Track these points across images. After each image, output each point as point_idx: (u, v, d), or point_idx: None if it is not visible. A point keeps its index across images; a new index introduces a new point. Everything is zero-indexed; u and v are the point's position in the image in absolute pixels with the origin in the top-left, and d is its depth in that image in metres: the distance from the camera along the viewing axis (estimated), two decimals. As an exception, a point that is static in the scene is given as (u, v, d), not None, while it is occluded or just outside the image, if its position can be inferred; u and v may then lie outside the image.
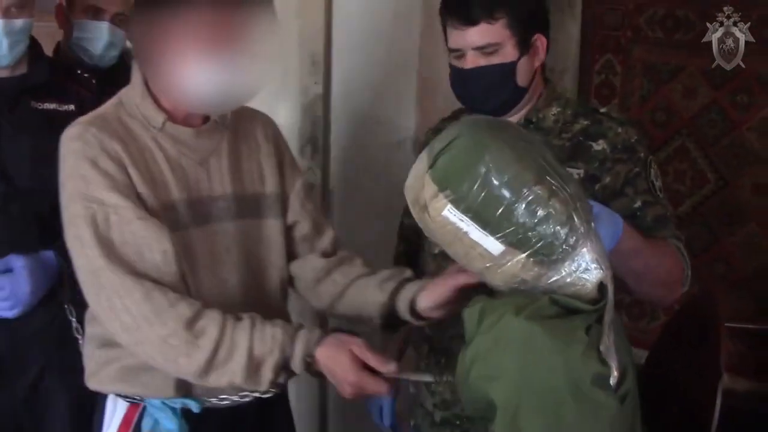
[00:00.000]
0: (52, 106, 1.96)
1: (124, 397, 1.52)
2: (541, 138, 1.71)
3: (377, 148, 2.13)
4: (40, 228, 1.84)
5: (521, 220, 1.16)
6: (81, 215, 1.38)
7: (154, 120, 1.47)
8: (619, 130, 1.74)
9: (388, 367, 1.36)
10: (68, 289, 1.75)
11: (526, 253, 1.17)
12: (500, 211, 1.16)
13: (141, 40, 1.43)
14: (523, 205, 1.16)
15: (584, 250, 1.19)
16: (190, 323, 1.35)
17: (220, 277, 1.49)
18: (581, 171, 1.71)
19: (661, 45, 2.94)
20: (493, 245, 1.18)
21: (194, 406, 1.47)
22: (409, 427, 2.01)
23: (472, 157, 1.17)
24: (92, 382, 1.54)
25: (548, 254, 1.17)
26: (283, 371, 1.39)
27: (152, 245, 1.38)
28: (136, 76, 1.49)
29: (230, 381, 1.37)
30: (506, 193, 1.16)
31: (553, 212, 1.16)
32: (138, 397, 1.49)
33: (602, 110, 1.81)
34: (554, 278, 1.19)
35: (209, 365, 1.36)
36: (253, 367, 1.36)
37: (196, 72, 1.35)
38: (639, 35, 2.97)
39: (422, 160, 1.25)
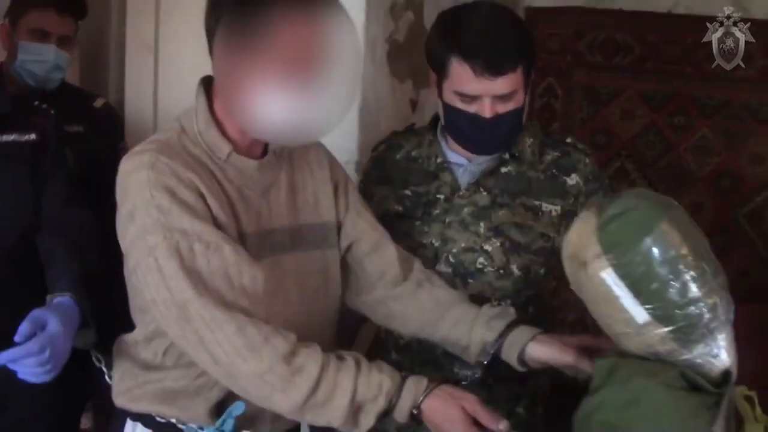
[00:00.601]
0: (12, 137, 1.86)
1: (154, 419, 1.45)
2: (521, 170, 1.75)
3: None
4: (14, 267, 1.74)
5: (673, 298, 1.23)
6: (161, 246, 1.29)
7: (219, 150, 1.38)
8: (587, 161, 1.77)
9: (501, 426, 1.33)
10: (93, 333, 1.58)
11: (668, 329, 1.26)
12: (656, 285, 1.23)
13: (224, 60, 1.30)
14: (678, 285, 1.23)
15: (720, 336, 1.28)
16: (287, 359, 1.29)
17: (275, 310, 1.40)
18: (558, 208, 1.74)
19: (601, 69, 3.03)
20: (640, 314, 1.26)
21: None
22: None
23: (643, 229, 1.24)
24: (123, 399, 1.47)
25: (688, 334, 1.25)
26: (383, 416, 1.34)
27: (242, 270, 1.31)
28: (200, 102, 1.40)
29: (328, 422, 1.32)
30: (665, 271, 1.23)
31: (703, 297, 1.24)
32: (173, 420, 1.43)
33: (568, 140, 1.83)
34: (686, 356, 1.28)
35: (306, 404, 1.30)
36: (354, 411, 1.31)
37: (280, 98, 1.24)
38: (579, 59, 3.04)
39: (588, 220, 1.31)
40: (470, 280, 1.74)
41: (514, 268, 1.74)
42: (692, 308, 1.24)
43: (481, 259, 1.74)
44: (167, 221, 1.29)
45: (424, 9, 2.42)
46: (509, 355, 1.52)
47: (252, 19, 1.24)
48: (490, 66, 1.60)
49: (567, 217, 1.73)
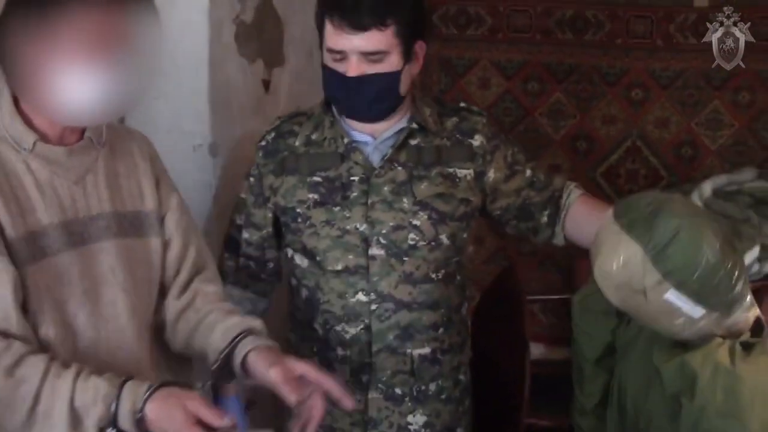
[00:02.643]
0: None
1: None
2: (429, 140, 1.76)
3: (175, 155, 2.08)
4: None
5: (722, 288, 1.41)
6: None
7: (24, 141, 1.37)
8: (484, 121, 1.82)
9: (224, 422, 1.30)
10: None
11: (719, 312, 1.42)
12: (711, 285, 1.40)
13: (13, 51, 1.30)
14: (726, 277, 1.40)
15: (749, 296, 1.48)
16: (10, 371, 1.26)
17: (107, 299, 1.41)
18: (471, 171, 1.78)
19: (455, 40, 3.06)
20: (697, 312, 1.41)
21: None
22: None
23: (696, 247, 1.38)
24: None
25: (730, 307, 1.44)
26: (112, 429, 1.29)
27: None
28: (4, 96, 1.39)
29: None
30: (718, 270, 1.39)
31: (741, 276, 1.43)
32: None
33: (462, 104, 1.86)
34: (727, 322, 1.46)
35: (30, 416, 1.26)
36: (76, 418, 1.27)
37: (82, 79, 1.28)
38: (433, 32, 3.07)
39: (630, 247, 1.40)
40: (405, 258, 1.73)
41: (444, 238, 1.75)
42: (736, 289, 1.42)
43: (412, 235, 1.73)
44: None
45: (271, -12, 2.39)
46: (236, 363, 1.45)
47: (47, 7, 1.27)
48: (350, 19, 1.61)
49: (478, 179, 1.78)
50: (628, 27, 2.97)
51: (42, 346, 1.32)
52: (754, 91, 2.94)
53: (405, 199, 1.73)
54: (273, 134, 1.86)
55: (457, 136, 1.79)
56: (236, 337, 1.47)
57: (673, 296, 1.38)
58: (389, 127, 1.77)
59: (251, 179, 1.87)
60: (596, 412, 1.71)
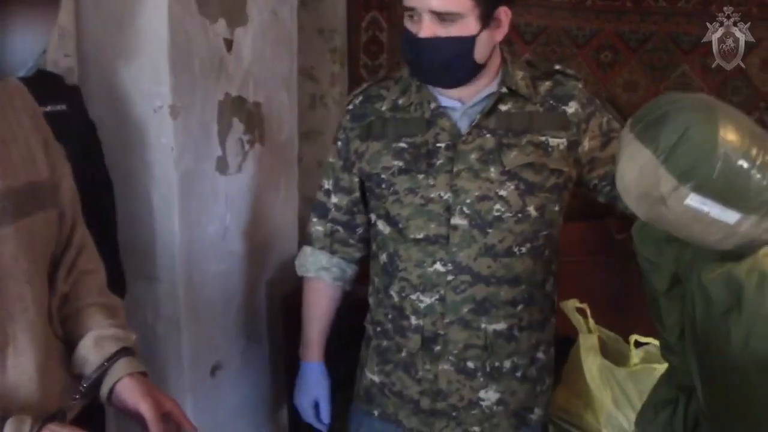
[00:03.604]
0: (47, 108, 1.74)
1: None
2: (520, 106, 1.67)
3: (135, 117, 2.03)
4: None
5: (756, 186, 1.22)
6: None
7: None
8: (580, 85, 1.73)
9: None
10: None
11: (758, 214, 1.24)
12: (739, 183, 1.22)
13: None
14: (757, 172, 1.21)
15: None
16: None
17: (14, 294, 1.23)
18: (564, 140, 1.68)
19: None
20: (731, 216, 1.24)
21: None
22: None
23: (709, 143, 1.21)
24: None
25: None
26: None
27: None
28: None
29: None
30: (743, 166, 1.21)
31: None
32: None
33: (556, 67, 1.76)
34: None
35: None
36: None
37: None
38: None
39: (639, 154, 1.25)
40: (489, 230, 1.67)
41: (532, 210, 1.68)
42: None
43: (497, 206, 1.66)
44: None
45: (233, -57, 2.31)
46: (105, 386, 1.34)
47: None
48: None
49: (572, 148, 1.68)
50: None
51: None
52: (722, 56, 2.92)
53: (492, 168, 1.66)
54: (361, 98, 1.81)
55: (551, 102, 1.70)
56: (112, 356, 1.35)
57: (694, 201, 1.24)
58: (478, 92, 1.69)
59: (339, 143, 1.83)
60: (681, 345, 1.58)
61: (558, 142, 1.68)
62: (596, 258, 2.67)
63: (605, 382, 2.21)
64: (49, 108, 1.80)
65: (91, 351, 1.35)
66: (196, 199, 2.21)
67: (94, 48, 2.08)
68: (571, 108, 1.70)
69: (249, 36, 2.42)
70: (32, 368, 1.24)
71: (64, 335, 1.37)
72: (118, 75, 1.98)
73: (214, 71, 2.23)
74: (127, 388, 1.33)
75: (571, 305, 2.32)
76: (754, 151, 1.22)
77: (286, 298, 2.69)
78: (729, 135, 1.22)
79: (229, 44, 2.32)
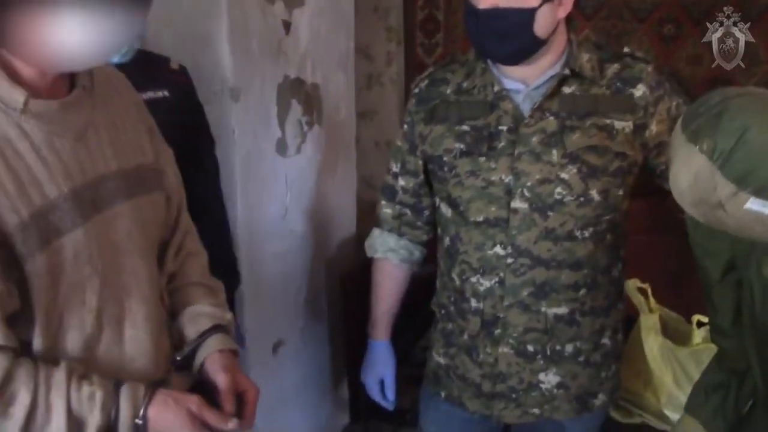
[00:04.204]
0: (148, 95, 1.79)
1: None
2: (585, 88, 1.65)
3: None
4: None
5: None
6: None
7: (13, 101, 1.15)
8: (649, 69, 1.68)
9: (231, 425, 1.26)
10: None
11: None
12: None
13: None
14: None
15: None
16: (0, 390, 1.13)
17: (128, 268, 1.28)
18: (630, 123, 1.65)
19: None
20: None
21: None
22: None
23: (765, 146, 1.16)
24: None
25: None
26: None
27: None
28: None
29: None
30: None
31: None
32: None
33: (626, 50, 1.73)
34: None
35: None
36: (77, 428, 1.17)
37: (79, 16, 1.09)
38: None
39: (693, 159, 1.20)
40: (550, 213, 1.64)
41: (594, 194, 1.65)
42: None
43: (559, 189, 1.64)
44: None
45: (289, -75, 2.32)
46: (198, 359, 1.39)
47: None
48: None
49: (638, 132, 1.66)
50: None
51: (25, 352, 1.18)
52: (679, 24, 2.86)
53: (554, 151, 1.63)
54: (426, 81, 1.80)
55: (618, 84, 1.66)
56: (206, 331, 1.41)
57: (755, 205, 1.19)
58: (541, 74, 1.66)
59: (405, 126, 1.83)
60: (735, 330, 1.56)
61: (624, 125, 1.65)
62: (657, 237, 2.62)
63: (666, 361, 2.18)
64: (149, 94, 1.83)
65: (187, 325, 1.41)
66: (257, 180, 2.25)
67: (154, 31, 2.12)
68: (639, 91, 1.66)
69: (306, 17, 2.44)
70: (147, 341, 1.30)
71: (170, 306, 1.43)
72: (178, 58, 2.00)
73: (272, 53, 2.26)
74: (214, 362, 1.37)
75: (632, 285, 2.30)
76: None
77: (345, 277, 2.72)
78: None
79: (287, 26, 2.33)
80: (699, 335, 2.24)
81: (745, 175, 1.17)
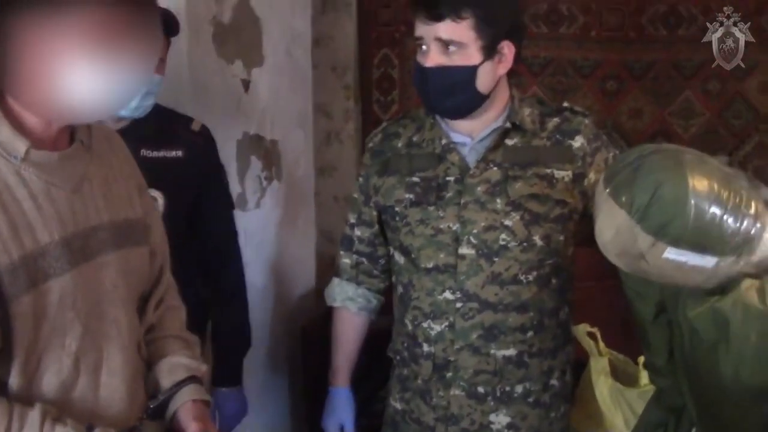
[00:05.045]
0: (161, 153, 1.84)
1: None
2: (526, 140, 1.74)
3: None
4: None
5: (729, 230, 1.25)
6: None
7: (15, 149, 1.21)
8: (587, 121, 1.79)
9: None
10: None
11: (734, 255, 1.28)
12: (713, 230, 1.25)
13: (8, 42, 1.17)
14: (729, 216, 1.25)
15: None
16: None
17: (110, 317, 1.31)
18: (569, 172, 1.74)
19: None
20: (709, 261, 1.27)
21: None
22: None
23: (681, 198, 1.24)
24: None
25: (750, 244, 1.28)
26: None
27: None
28: None
29: None
30: (716, 214, 1.25)
31: (751, 211, 1.27)
32: None
33: (565, 104, 1.84)
34: (755, 260, 1.30)
35: None
36: None
37: (89, 71, 1.16)
38: (411, 29, 3.10)
39: (613, 214, 1.29)
40: (495, 259, 1.72)
41: (537, 239, 1.73)
42: (746, 225, 1.27)
43: (503, 236, 1.72)
44: None
45: (248, -11, 2.41)
46: (171, 408, 1.42)
47: None
48: (429, 10, 1.63)
49: (577, 181, 1.75)
50: (601, 19, 3.02)
51: (1, 391, 1.20)
52: (723, 80, 2.99)
53: (498, 200, 1.72)
54: (380, 136, 1.89)
55: (558, 136, 1.76)
56: (181, 381, 1.45)
57: (672, 254, 1.27)
58: (485, 127, 1.76)
59: (360, 179, 1.91)
60: (669, 368, 1.62)
61: (563, 174, 1.75)
62: (605, 282, 2.70)
63: (616, 403, 2.25)
64: (163, 153, 1.87)
65: (163, 375, 1.45)
66: (217, 234, 2.29)
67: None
68: (577, 142, 1.76)
69: (265, 75, 2.52)
70: (122, 389, 1.33)
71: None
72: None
73: (232, 111, 2.33)
74: (187, 411, 1.41)
75: (582, 329, 2.37)
76: (725, 195, 1.26)
77: (305, 328, 2.76)
78: (699, 186, 1.25)
79: (246, 84, 2.41)
80: (646, 376, 2.31)
81: (662, 227, 1.26)
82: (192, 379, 1.46)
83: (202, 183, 1.98)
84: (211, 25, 2.21)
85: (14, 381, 1.20)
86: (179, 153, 1.91)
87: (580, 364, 2.32)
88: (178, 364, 1.47)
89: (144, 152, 1.71)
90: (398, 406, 1.90)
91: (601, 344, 2.39)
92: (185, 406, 1.42)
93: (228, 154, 2.33)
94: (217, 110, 2.23)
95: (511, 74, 1.78)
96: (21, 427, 1.17)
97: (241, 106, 2.39)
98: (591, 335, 2.39)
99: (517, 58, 1.73)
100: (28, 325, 1.20)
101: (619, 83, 3.03)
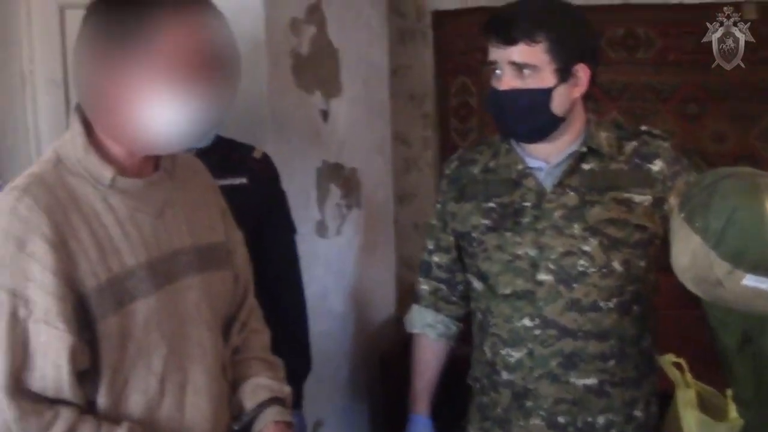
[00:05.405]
0: (227, 181, 1.87)
1: None
2: (604, 164, 1.73)
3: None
4: None
5: None
6: None
7: (101, 177, 1.27)
8: (666, 145, 1.76)
9: None
10: None
11: None
12: None
13: (94, 75, 1.23)
14: None
15: None
16: None
17: (194, 339, 1.36)
18: (649, 197, 1.72)
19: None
20: None
21: None
22: None
23: (757, 222, 1.21)
24: None
25: None
26: None
27: (48, 354, 1.19)
28: (74, 128, 1.29)
29: None
30: None
31: None
32: None
33: (643, 128, 1.82)
34: None
35: None
36: None
37: (174, 103, 1.20)
38: (487, 56, 3.11)
39: (690, 239, 1.26)
40: (574, 285, 1.70)
41: (616, 265, 1.70)
42: None
43: (582, 261, 1.70)
44: (0, 277, 1.18)
45: (326, 22, 2.46)
46: (256, 428, 1.47)
47: (135, 27, 1.20)
48: (502, 34, 1.65)
49: (657, 205, 1.72)
50: (679, 42, 2.96)
51: (89, 409, 1.25)
52: (702, 103, 2.91)
53: (576, 225, 1.71)
54: (456, 162, 1.91)
55: (636, 160, 1.74)
56: (264, 402, 1.48)
57: (752, 281, 1.22)
58: (561, 151, 1.75)
59: (438, 206, 1.93)
60: (757, 400, 1.58)
61: (643, 199, 1.72)
62: (690, 311, 2.63)
63: (705, 436, 2.17)
64: (228, 181, 1.90)
65: (247, 396, 1.48)
66: (297, 262, 2.32)
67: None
68: (656, 166, 1.73)
69: (343, 105, 2.56)
70: (208, 409, 1.38)
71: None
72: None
73: (311, 140, 2.37)
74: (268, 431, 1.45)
75: (667, 359, 2.30)
76: None
77: (385, 356, 2.76)
78: None
79: (324, 114, 2.45)
80: (734, 409, 2.23)
81: (739, 254, 1.22)
82: (275, 400, 1.49)
83: (265, 209, 2.01)
84: (291, 57, 2.26)
85: (102, 400, 1.26)
86: (243, 180, 1.96)
87: (665, 396, 2.25)
88: (262, 385, 1.50)
89: None
90: None
91: (688, 375, 2.32)
92: (268, 427, 1.45)
93: (308, 183, 2.37)
94: (297, 140, 2.27)
95: (587, 98, 1.76)
96: None
97: (320, 135, 2.43)
98: (677, 366, 2.32)
99: (593, 81, 1.71)
100: (114, 345, 1.25)
101: (699, 106, 2.96)
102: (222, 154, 1.93)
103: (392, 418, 2.50)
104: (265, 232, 2.00)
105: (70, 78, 2.26)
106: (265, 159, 2.05)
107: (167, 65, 1.20)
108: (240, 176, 1.96)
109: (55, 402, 1.21)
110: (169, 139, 1.26)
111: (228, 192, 1.66)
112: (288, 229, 2.12)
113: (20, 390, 1.18)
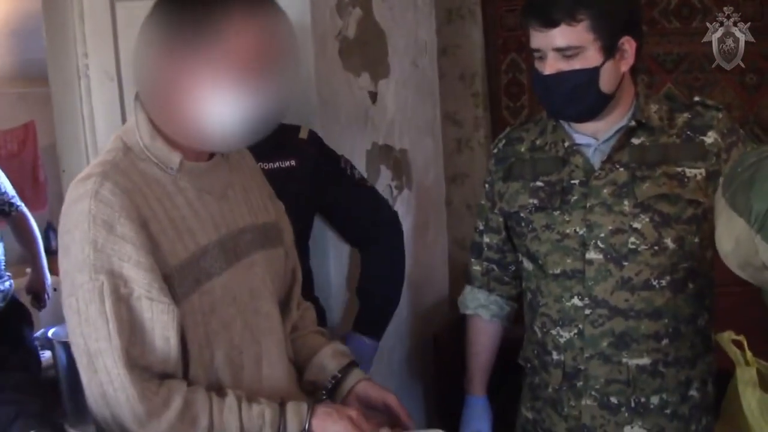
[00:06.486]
0: (276, 164, 1.93)
1: None
2: (654, 138, 1.68)
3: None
4: None
5: None
6: (86, 288, 1.22)
7: (170, 161, 1.32)
8: (720, 115, 1.70)
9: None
10: None
11: None
12: None
13: (155, 75, 1.26)
14: None
15: None
16: (183, 415, 1.25)
17: (264, 311, 1.42)
18: (702, 170, 1.66)
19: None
20: None
21: None
22: None
23: None
24: None
25: None
26: None
27: (155, 328, 1.24)
28: (140, 116, 1.33)
29: None
30: None
31: None
32: None
33: (696, 99, 1.77)
34: None
35: None
36: None
37: (232, 103, 1.23)
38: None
39: (736, 222, 1.19)
40: (625, 263, 1.66)
41: (668, 242, 1.66)
42: None
43: (632, 239, 1.66)
44: (96, 260, 1.22)
45: (372, 4, 2.45)
46: (344, 388, 1.53)
47: (205, 25, 1.22)
48: (542, 17, 1.60)
49: (711, 179, 1.66)
50: (737, 10, 2.85)
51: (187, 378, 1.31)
52: (762, 72, 2.80)
53: (625, 201, 1.66)
54: (503, 141, 1.88)
55: (688, 132, 1.68)
56: (348, 365, 1.55)
57: None
58: (610, 127, 1.70)
59: (486, 186, 1.92)
60: None
61: (695, 172, 1.66)
62: (750, 288, 2.57)
63: (766, 417, 2.12)
64: (278, 164, 1.94)
65: (329, 360, 1.55)
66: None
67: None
68: (710, 138, 1.67)
69: (392, 87, 2.55)
70: (283, 380, 1.44)
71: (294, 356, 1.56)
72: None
73: (360, 122, 2.37)
74: (372, 388, 1.53)
75: (726, 337, 2.25)
76: None
77: (438, 336, 2.76)
78: None
79: (373, 96, 2.45)
80: (799, 387, 2.17)
81: None
82: (354, 364, 1.57)
83: (321, 183, 2.03)
84: (337, 40, 2.26)
85: (194, 375, 1.32)
86: (292, 162, 1.98)
87: (725, 375, 2.21)
88: (341, 351, 1.57)
89: (261, 165, 1.78)
90: (529, 415, 1.86)
91: (748, 353, 2.26)
92: (362, 384, 1.53)
93: (358, 165, 2.36)
94: (346, 122, 2.28)
95: (638, 71, 1.71)
96: (221, 410, 1.28)
97: (369, 117, 2.43)
98: (737, 343, 2.27)
99: (639, 52, 1.65)
100: (198, 321, 1.31)
101: (759, 76, 2.87)
102: (270, 138, 1.93)
103: (446, 398, 2.50)
104: (330, 196, 2.04)
105: (125, 71, 2.30)
106: (312, 136, 2.05)
107: (234, 64, 1.22)
108: (289, 159, 1.98)
109: (162, 377, 1.26)
110: (225, 137, 1.29)
111: (279, 175, 1.68)
112: (354, 180, 2.12)
113: (136, 366, 1.23)
